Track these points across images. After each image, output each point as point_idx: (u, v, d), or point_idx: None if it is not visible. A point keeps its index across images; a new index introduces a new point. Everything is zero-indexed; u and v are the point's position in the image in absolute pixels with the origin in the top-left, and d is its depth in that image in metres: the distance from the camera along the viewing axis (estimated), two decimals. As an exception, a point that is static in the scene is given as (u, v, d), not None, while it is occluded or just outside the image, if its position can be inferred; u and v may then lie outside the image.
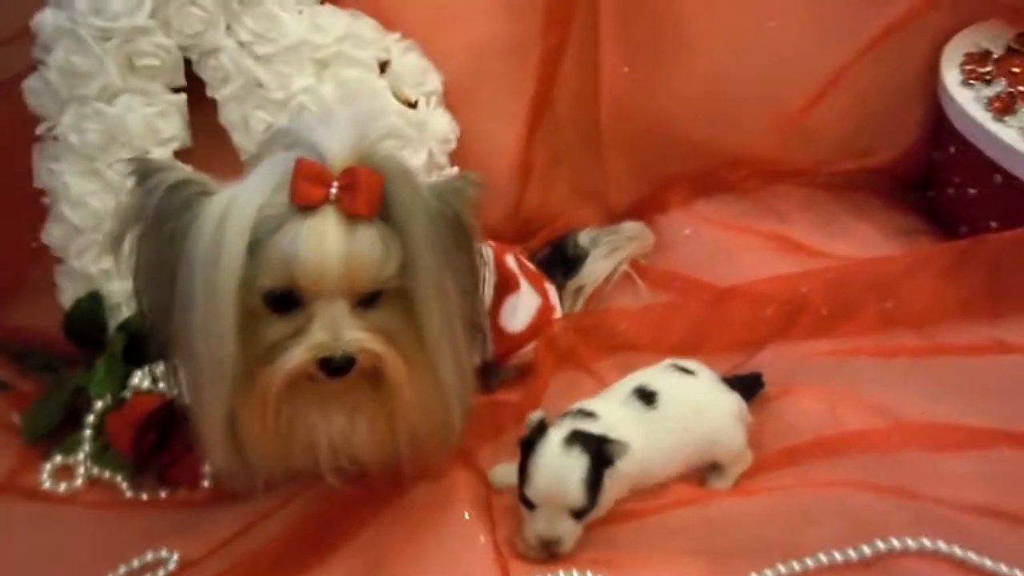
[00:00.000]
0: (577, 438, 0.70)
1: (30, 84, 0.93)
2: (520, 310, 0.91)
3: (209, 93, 0.96)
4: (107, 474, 0.81)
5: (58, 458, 0.82)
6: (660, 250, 1.07)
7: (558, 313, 0.96)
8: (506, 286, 0.90)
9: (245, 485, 0.71)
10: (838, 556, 0.65)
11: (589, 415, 0.75)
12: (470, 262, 0.69)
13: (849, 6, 1.02)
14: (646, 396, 0.78)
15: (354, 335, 0.62)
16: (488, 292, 0.84)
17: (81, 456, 0.81)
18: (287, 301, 0.62)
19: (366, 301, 0.63)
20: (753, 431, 0.80)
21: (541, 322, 0.92)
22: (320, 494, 0.76)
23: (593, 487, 0.70)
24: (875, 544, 0.65)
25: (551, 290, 0.98)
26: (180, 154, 0.96)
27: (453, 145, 1.04)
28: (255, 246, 0.60)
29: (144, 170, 0.63)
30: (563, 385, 0.88)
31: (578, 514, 0.69)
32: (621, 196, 1.15)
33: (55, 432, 0.86)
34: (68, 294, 0.96)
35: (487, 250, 0.86)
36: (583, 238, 1.07)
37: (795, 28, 1.04)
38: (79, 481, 0.80)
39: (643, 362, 0.83)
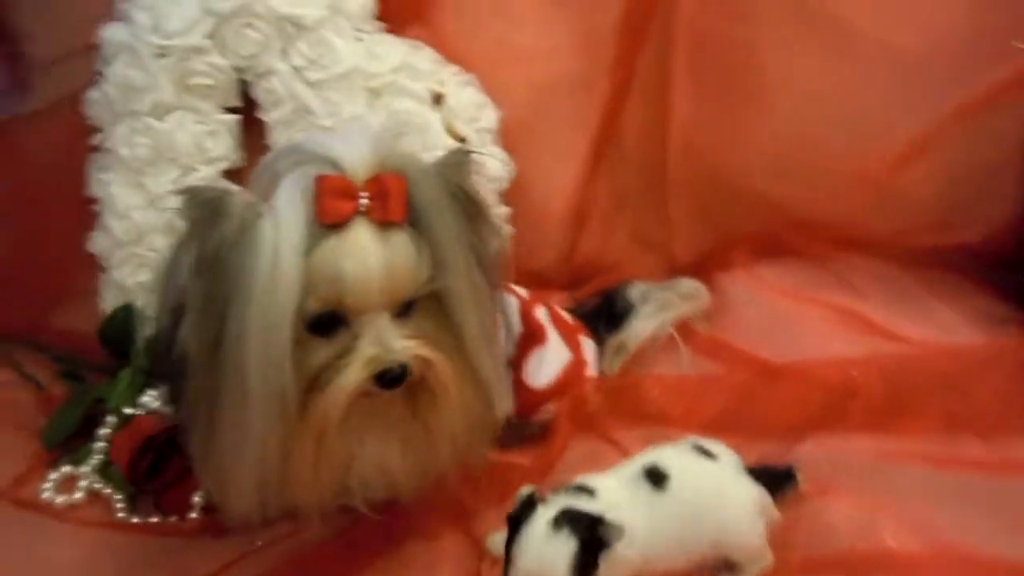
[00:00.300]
0: (567, 518, 0.64)
1: (91, 95, 0.95)
2: (546, 364, 0.86)
3: (259, 115, 0.96)
4: (108, 490, 0.80)
5: (66, 468, 0.82)
6: (716, 313, 0.99)
7: (591, 370, 0.90)
8: (532, 339, 0.86)
9: (244, 520, 0.67)
10: None
11: (587, 491, 0.69)
12: (488, 243, 0.67)
13: (944, 68, 0.93)
14: (656, 477, 0.71)
15: (403, 344, 0.61)
16: (510, 345, 0.81)
17: (87, 469, 0.81)
18: (331, 322, 0.61)
19: (403, 311, 0.62)
20: (779, 530, 0.72)
21: (569, 378, 0.87)
22: (304, 541, 0.74)
23: (582, 572, 0.64)
24: None
25: (587, 345, 0.92)
26: (231, 174, 0.97)
27: (504, 184, 1.01)
28: (301, 276, 0.59)
29: (206, 198, 0.60)
30: (582, 453, 0.82)
31: None
32: (686, 248, 1.09)
33: (72, 440, 0.86)
34: (108, 303, 0.97)
35: (511, 299, 0.82)
36: (634, 292, 1.01)
37: (882, 86, 0.95)
38: (79, 494, 0.80)
39: (671, 437, 0.77)
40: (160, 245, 0.93)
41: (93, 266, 1.01)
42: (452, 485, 0.71)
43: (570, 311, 1.00)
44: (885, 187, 0.97)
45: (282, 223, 0.59)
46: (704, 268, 1.05)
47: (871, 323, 0.93)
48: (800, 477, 0.75)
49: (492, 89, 1.01)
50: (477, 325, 0.64)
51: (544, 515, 0.65)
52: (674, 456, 0.74)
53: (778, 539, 0.71)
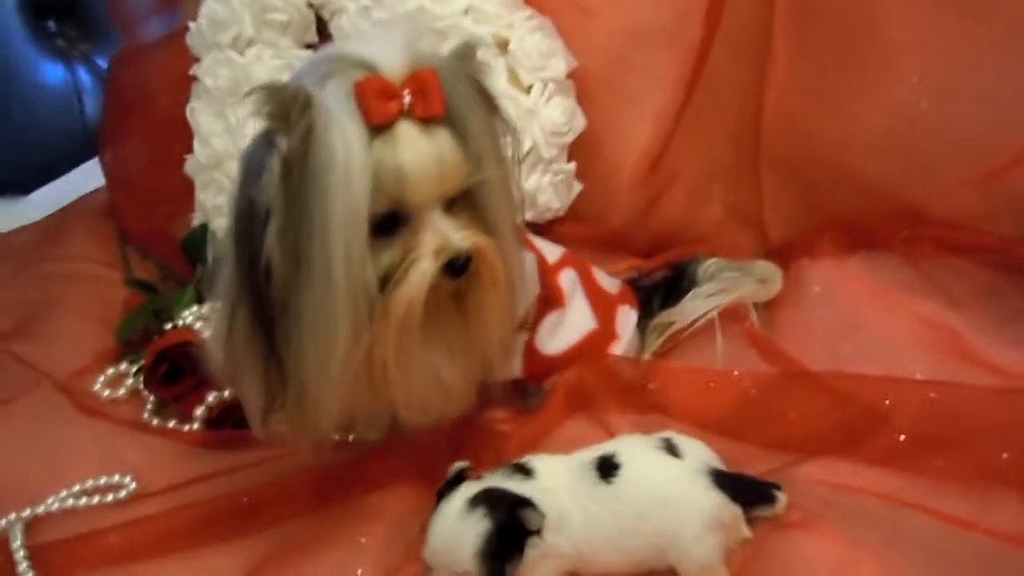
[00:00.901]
0: (486, 498, 0.62)
1: (191, 28, 1.02)
2: (563, 331, 0.83)
3: (336, 52, 0.98)
4: (145, 392, 0.88)
5: (123, 366, 0.91)
6: (784, 302, 0.89)
7: (620, 344, 0.85)
8: (547, 302, 0.82)
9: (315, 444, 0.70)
10: None
11: (525, 472, 0.66)
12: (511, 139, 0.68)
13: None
14: (606, 468, 0.66)
15: (461, 234, 0.64)
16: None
17: (134, 368, 0.90)
18: (391, 222, 0.63)
19: (449, 206, 0.64)
20: (747, 559, 0.65)
21: (586, 348, 0.82)
22: (288, 466, 0.77)
23: (494, 558, 0.61)
24: None
25: (626, 318, 0.87)
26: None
27: (567, 138, 0.95)
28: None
29: (281, 94, 0.59)
30: (569, 432, 0.77)
31: None
32: (780, 225, 0.98)
33: (137, 343, 0.96)
34: (196, 221, 1.05)
35: (529, 255, 0.80)
36: (701, 269, 0.93)
37: (1016, 69, 0.77)
38: (122, 391, 0.89)
39: (668, 429, 0.71)
40: (234, 172, 0.99)
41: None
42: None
43: (630, 281, 0.94)
44: (1007, 182, 0.80)
45: (342, 123, 0.59)
46: (792, 252, 0.94)
47: (963, 342, 0.78)
48: (781, 498, 0.66)
49: (568, 36, 0.95)
50: (510, 219, 0.67)
51: (465, 492, 0.63)
52: (634, 448, 0.68)
53: (743, 565, 0.64)
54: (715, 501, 0.64)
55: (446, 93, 0.62)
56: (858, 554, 0.61)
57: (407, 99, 0.61)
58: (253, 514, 0.72)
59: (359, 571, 0.66)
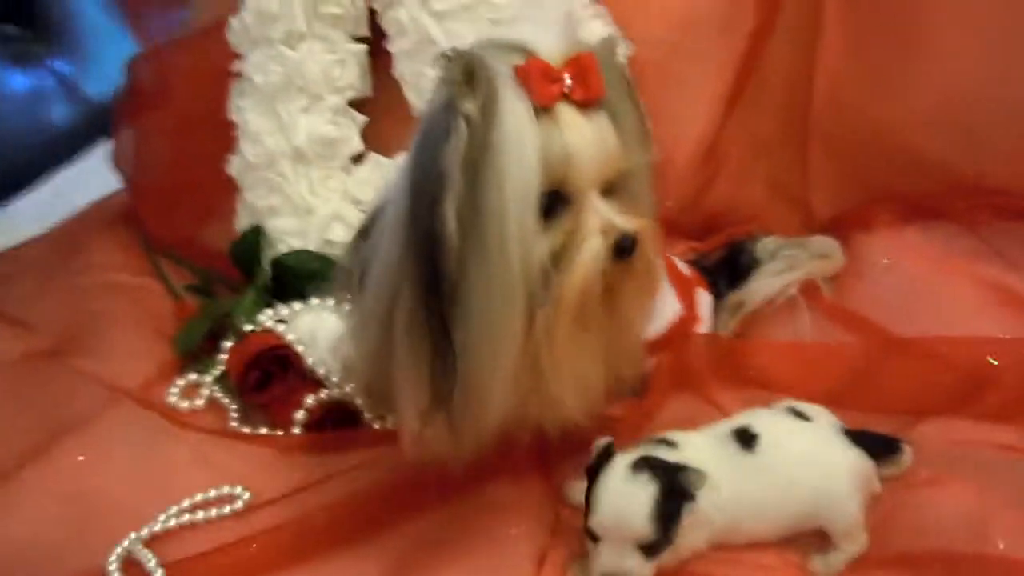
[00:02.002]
0: (646, 464, 0.63)
1: (232, 23, 0.99)
2: (655, 316, 0.83)
3: (387, 45, 0.96)
4: (225, 400, 0.86)
5: (192, 376, 0.88)
6: (849, 276, 0.92)
7: (703, 327, 0.86)
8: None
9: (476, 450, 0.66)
10: None
11: (668, 443, 0.67)
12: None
13: None
14: (746, 437, 0.68)
15: (623, 217, 0.63)
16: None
17: (209, 378, 0.87)
18: (553, 204, 0.61)
19: (607, 191, 0.64)
20: (882, 519, 0.67)
21: (677, 333, 0.83)
22: (391, 466, 0.75)
23: (664, 520, 0.62)
24: None
25: (703, 299, 0.88)
26: (356, 103, 0.98)
27: (628, 124, 0.96)
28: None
29: (470, 65, 0.58)
30: (676, 412, 0.79)
31: (647, 549, 0.62)
32: (825, 203, 1.01)
33: (201, 350, 0.93)
34: (242, 223, 1.02)
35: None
36: (761, 247, 0.95)
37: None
38: (200, 401, 0.86)
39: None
40: (288, 171, 0.96)
41: (233, 188, 1.06)
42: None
43: (690, 263, 0.96)
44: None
45: (513, 101, 0.59)
46: (843, 226, 0.97)
47: (1025, 302, 0.83)
48: (907, 451, 0.70)
49: (626, 23, 0.96)
50: (652, 208, 0.66)
51: (622, 462, 0.64)
52: (767, 417, 0.70)
53: (877, 527, 0.67)
54: (856, 458, 0.67)
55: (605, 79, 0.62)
56: (991, 509, 0.64)
57: (568, 82, 0.60)
58: (384, 513, 0.70)
59: (523, 562, 0.65)
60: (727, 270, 0.94)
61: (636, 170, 0.64)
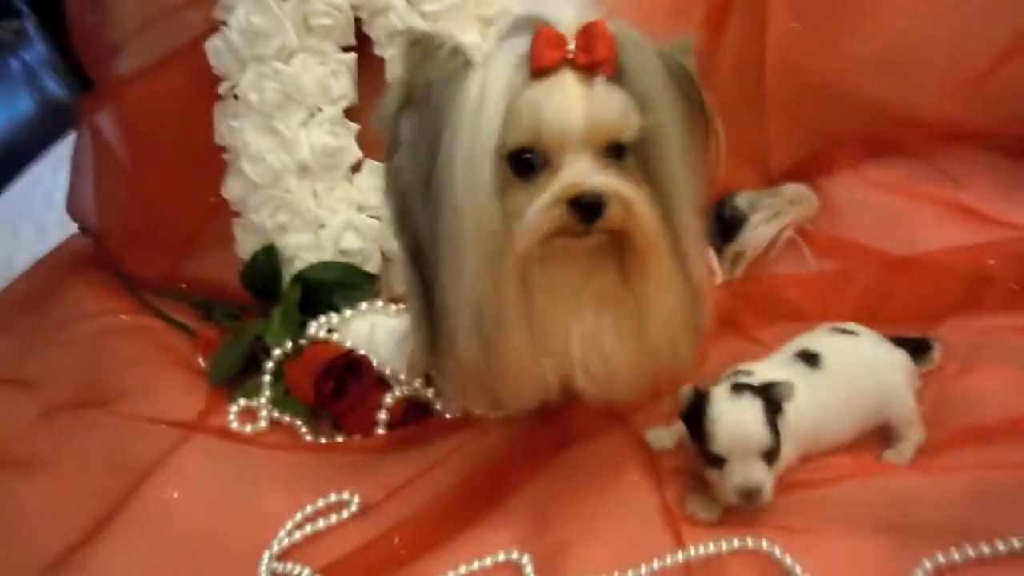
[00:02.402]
0: (741, 387, 0.70)
1: (213, 44, 0.97)
2: None
3: (377, 51, 0.98)
4: (287, 418, 0.85)
5: (242, 401, 0.87)
6: (825, 215, 1.02)
7: (717, 278, 0.94)
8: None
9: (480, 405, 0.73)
10: (1034, 543, 0.62)
11: (746, 374, 0.74)
12: (708, 131, 0.69)
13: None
14: (809, 358, 0.76)
15: (601, 178, 0.63)
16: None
17: (263, 400, 0.86)
18: (533, 163, 0.64)
19: (612, 158, 0.65)
20: (931, 409, 0.77)
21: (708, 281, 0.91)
22: (484, 448, 0.78)
23: (774, 427, 0.69)
24: (1077, 533, 0.61)
25: (710, 254, 0.96)
26: (347, 112, 0.99)
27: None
28: (504, 113, 0.63)
29: (422, 40, 0.66)
30: (724, 353, 0.86)
31: (768, 456, 0.68)
32: (782, 158, 1.10)
33: (237, 377, 0.91)
34: (245, 246, 1.01)
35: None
36: (741, 201, 1.04)
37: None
38: (262, 423, 0.85)
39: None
40: (294, 187, 0.96)
41: (222, 213, 1.04)
42: (663, 392, 0.74)
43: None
44: (986, 82, 0.98)
45: (492, 66, 0.64)
46: (803, 174, 1.08)
47: (981, 213, 0.96)
48: (937, 347, 0.80)
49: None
50: (684, 194, 0.66)
51: (721, 391, 0.70)
52: (819, 338, 0.79)
53: (931, 417, 0.76)
54: (904, 358, 0.77)
55: (623, 54, 0.65)
56: (1021, 381, 0.76)
57: (571, 47, 0.63)
58: (505, 482, 0.73)
59: (651, 499, 0.70)
60: (716, 226, 1.03)
61: (661, 152, 0.65)
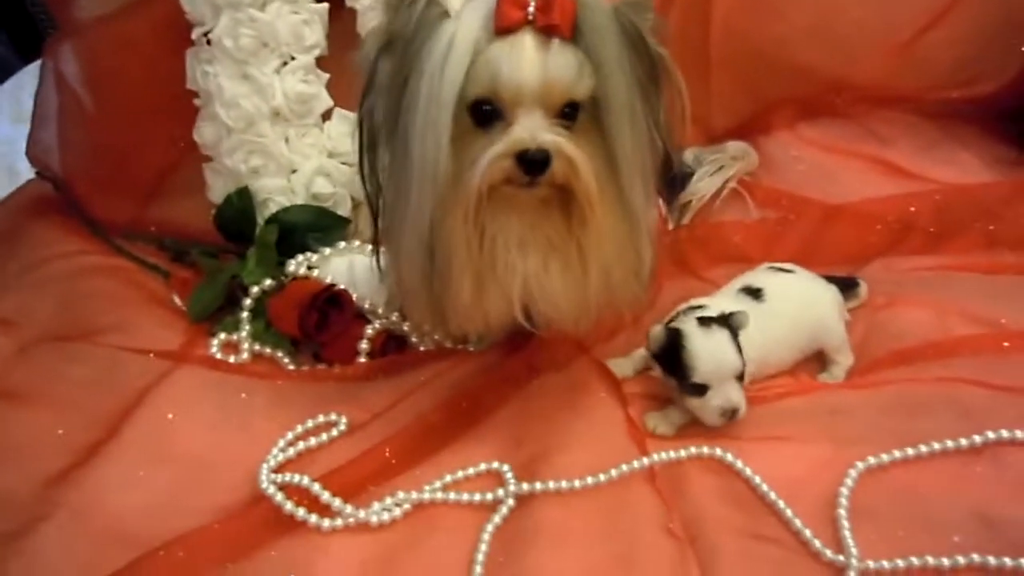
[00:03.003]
0: (706, 320, 0.77)
1: (189, -9, 0.99)
2: None
3: (349, 3, 1.02)
4: (268, 350, 0.89)
5: (222, 335, 0.90)
6: (764, 170, 1.11)
7: (669, 225, 1.02)
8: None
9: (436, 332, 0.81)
10: (950, 444, 0.71)
11: (701, 307, 0.81)
12: (658, 89, 0.74)
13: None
14: (753, 292, 0.85)
15: (549, 136, 0.68)
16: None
17: (244, 334, 0.90)
18: (490, 115, 0.69)
19: (563, 119, 0.69)
20: (861, 338, 0.87)
21: (658, 230, 0.98)
22: (460, 375, 0.84)
23: (740, 351, 0.76)
24: (986, 435, 0.71)
25: (661, 203, 1.03)
26: (319, 61, 1.03)
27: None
28: (468, 68, 0.68)
29: None
30: (677, 290, 0.94)
31: (739, 378, 0.76)
32: (724, 117, 1.19)
33: (215, 313, 0.94)
34: (217, 191, 1.03)
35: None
36: (687, 156, 1.12)
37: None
38: (245, 355, 0.89)
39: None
40: (268, 131, 0.99)
41: (189, 158, 1.07)
42: (608, 326, 0.80)
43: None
44: (911, 49, 1.09)
45: (462, 21, 0.69)
46: (743, 133, 1.16)
47: (903, 169, 1.07)
48: (863, 285, 0.90)
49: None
50: (631, 153, 0.70)
51: (689, 327, 0.77)
52: (760, 275, 0.87)
53: (863, 344, 0.86)
54: (835, 293, 0.87)
55: (584, 20, 0.69)
56: (942, 309, 0.86)
57: (531, 9, 0.68)
58: (484, 403, 0.79)
59: (618, 413, 0.77)
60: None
61: (612, 114, 0.70)
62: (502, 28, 0.69)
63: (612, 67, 0.70)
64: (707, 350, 0.75)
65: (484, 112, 0.70)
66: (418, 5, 0.71)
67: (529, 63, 0.68)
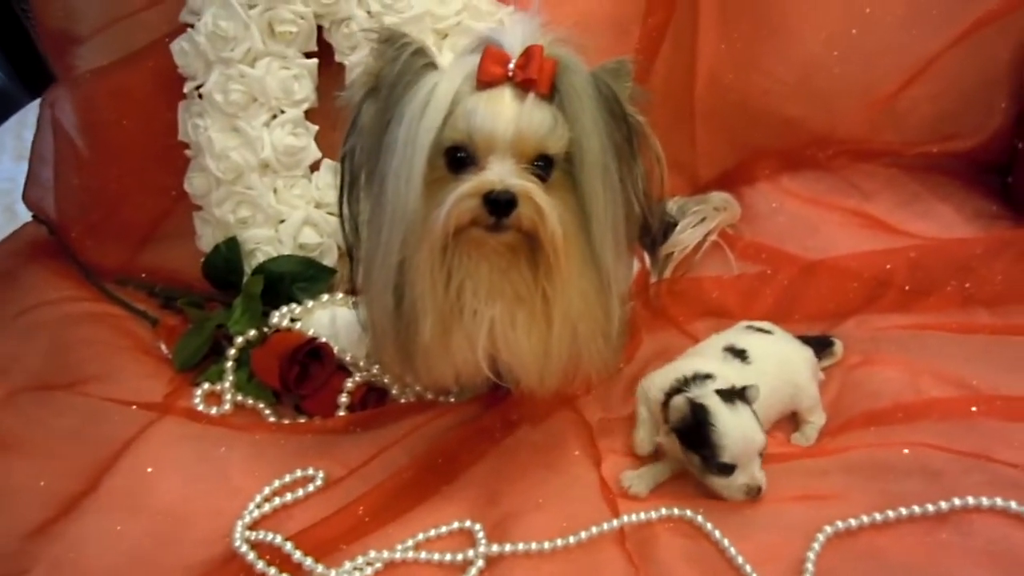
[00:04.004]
0: (729, 395, 0.76)
1: (179, 45, 1.01)
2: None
3: (338, 58, 1.04)
4: (250, 401, 0.91)
5: (206, 385, 0.92)
6: (746, 221, 1.13)
7: (652, 278, 1.03)
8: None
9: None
10: (917, 509, 0.72)
11: (708, 377, 0.80)
12: (635, 153, 0.76)
13: (943, 1, 1.06)
14: (738, 353, 0.85)
15: (517, 180, 0.69)
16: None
17: (227, 384, 0.91)
18: (464, 161, 0.71)
19: (536, 173, 0.71)
20: (835, 396, 0.88)
21: (639, 285, 1.00)
22: (438, 429, 0.85)
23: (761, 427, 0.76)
24: (952, 501, 0.71)
25: (645, 255, 1.05)
26: (308, 114, 1.05)
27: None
28: (447, 115, 0.70)
29: (392, 37, 0.74)
30: (658, 342, 0.95)
31: (761, 454, 0.75)
32: (708, 168, 1.20)
33: (199, 363, 0.96)
34: (206, 239, 1.05)
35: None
36: (670, 206, 1.14)
37: (891, 15, 1.07)
38: (227, 406, 0.90)
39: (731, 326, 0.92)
40: (256, 183, 1.01)
41: (182, 206, 1.09)
42: (575, 385, 0.80)
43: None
44: (892, 104, 1.10)
45: (446, 74, 0.72)
46: (727, 184, 1.18)
47: (883, 223, 1.08)
48: (838, 344, 0.91)
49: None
50: (603, 212, 0.72)
51: (717, 404, 0.75)
52: (742, 335, 0.88)
53: (837, 402, 0.87)
54: (810, 353, 0.88)
55: (560, 77, 0.71)
56: (915, 369, 0.87)
57: (511, 66, 0.71)
58: (458, 460, 0.81)
59: (590, 474, 0.78)
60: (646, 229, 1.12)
61: (586, 169, 0.71)
62: (483, 82, 0.71)
63: (586, 126, 0.72)
64: (737, 428, 0.74)
65: (458, 159, 0.72)
66: (405, 53, 0.73)
67: (504, 112, 0.71)
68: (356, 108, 0.76)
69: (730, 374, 0.81)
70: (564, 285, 0.73)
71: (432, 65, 0.74)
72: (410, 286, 0.72)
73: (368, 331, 0.84)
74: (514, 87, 0.71)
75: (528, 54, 0.71)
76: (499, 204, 0.69)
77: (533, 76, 0.71)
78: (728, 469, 0.74)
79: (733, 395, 0.76)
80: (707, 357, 0.86)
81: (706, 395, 0.76)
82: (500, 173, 0.70)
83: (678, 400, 0.76)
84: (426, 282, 0.72)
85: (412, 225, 0.70)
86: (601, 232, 0.73)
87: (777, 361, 0.86)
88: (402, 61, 0.73)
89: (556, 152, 0.72)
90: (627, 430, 0.86)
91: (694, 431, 0.75)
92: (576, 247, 0.73)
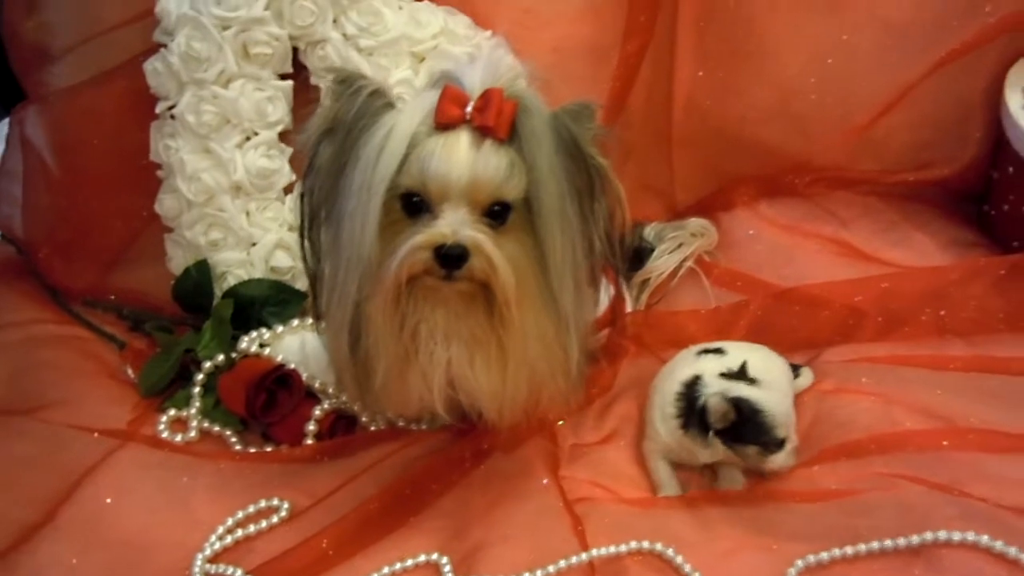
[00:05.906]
0: (743, 376, 0.80)
1: (152, 66, 1.00)
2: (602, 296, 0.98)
3: (313, 80, 1.03)
4: (216, 428, 0.89)
5: (172, 411, 0.90)
6: (723, 248, 1.12)
7: (628, 304, 1.02)
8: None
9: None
10: (889, 544, 0.71)
11: (718, 351, 0.85)
12: (594, 196, 0.74)
13: (922, 26, 1.05)
14: (742, 374, 0.83)
15: (470, 232, 0.69)
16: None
17: (193, 411, 0.90)
18: (419, 206, 0.70)
19: (492, 219, 0.70)
20: (809, 425, 0.87)
21: (614, 312, 0.99)
22: (407, 458, 0.84)
23: None
24: (924, 535, 0.71)
25: (621, 281, 1.04)
26: (282, 136, 1.04)
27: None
28: (403, 160, 0.69)
29: (349, 78, 0.73)
30: (634, 368, 0.95)
31: None
32: (686, 193, 1.20)
33: (166, 388, 0.94)
34: (177, 262, 1.04)
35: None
36: (648, 232, 1.13)
37: (868, 43, 1.08)
38: (192, 433, 0.88)
39: None
40: (228, 205, 1.00)
41: (153, 228, 1.07)
42: (534, 421, 0.80)
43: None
44: (868, 132, 1.10)
45: (403, 114, 0.70)
46: (705, 210, 1.17)
47: (859, 251, 1.08)
48: (805, 372, 0.91)
49: (519, 52, 1.09)
50: (560, 256, 0.71)
51: (748, 390, 0.78)
52: (744, 351, 0.87)
53: (811, 432, 0.86)
54: (789, 370, 0.89)
55: (520, 122, 0.70)
56: (888, 399, 0.86)
57: (469, 108, 0.70)
58: (426, 491, 0.79)
59: (558, 504, 0.77)
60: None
61: (543, 216, 0.70)
62: (441, 124, 0.70)
63: (544, 172, 0.70)
64: (774, 403, 0.78)
65: (413, 203, 0.71)
66: (362, 94, 0.72)
67: (458, 160, 0.69)
68: (312, 149, 0.74)
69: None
70: (519, 331, 0.72)
71: (390, 105, 0.73)
72: (366, 329, 0.71)
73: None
74: (472, 130, 0.70)
75: (486, 97, 0.70)
76: (450, 258, 0.69)
77: (490, 123, 0.69)
78: (782, 443, 0.78)
79: (744, 375, 0.79)
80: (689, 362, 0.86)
81: (733, 388, 0.78)
82: (453, 223, 0.69)
83: (715, 401, 0.77)
84: (381, 327, 0.71)
85: (367, 270, 0.70)
86: (559, 274, 0.72)
87: (778, 379, 0.85)
88: (359, 102, 0.71)
89: (513, 198, 0.71)
90: (599, 456, 0.86)
91: (744, 425, 0.77)
92: (534, 290, 0.72)
